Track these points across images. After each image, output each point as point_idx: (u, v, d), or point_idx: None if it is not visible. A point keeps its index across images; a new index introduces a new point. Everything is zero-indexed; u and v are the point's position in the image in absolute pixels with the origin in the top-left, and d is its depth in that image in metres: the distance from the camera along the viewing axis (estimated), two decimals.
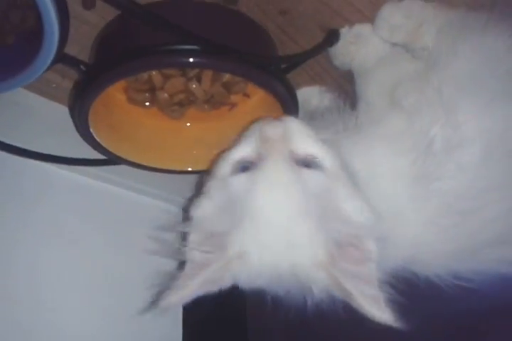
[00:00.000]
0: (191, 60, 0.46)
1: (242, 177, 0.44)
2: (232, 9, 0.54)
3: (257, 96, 0.61)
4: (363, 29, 0.58)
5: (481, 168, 0.46)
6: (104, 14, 0.53)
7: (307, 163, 0.43)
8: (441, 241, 0.47)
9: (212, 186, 0.46)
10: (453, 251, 0.47)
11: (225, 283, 0.43)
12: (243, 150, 0.45)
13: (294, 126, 0.45)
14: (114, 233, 0.68)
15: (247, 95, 0.62)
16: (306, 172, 0.43)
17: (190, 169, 0.63)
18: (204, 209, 0.45)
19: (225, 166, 0.45)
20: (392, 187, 0.47)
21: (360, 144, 0.50)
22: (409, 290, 0.47)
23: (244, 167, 0.44)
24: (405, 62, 0.56)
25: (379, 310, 0.38)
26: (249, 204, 0.42)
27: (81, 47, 0.56)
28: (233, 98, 0.62)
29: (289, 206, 0.42)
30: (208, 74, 0.54)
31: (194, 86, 0.55)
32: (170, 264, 0.57)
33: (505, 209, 0.46)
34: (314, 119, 0.58)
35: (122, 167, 0.64)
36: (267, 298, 0.45)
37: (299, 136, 0.45)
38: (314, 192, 0.42)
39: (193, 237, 0.45)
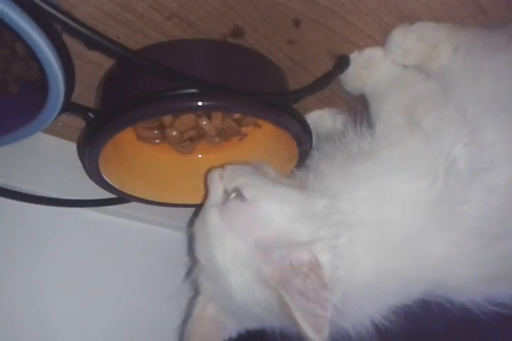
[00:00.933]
0: (200, 103, 0.45)
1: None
2: (237, 45, 0.52)
3: (268, 125, 0.60)
4: (373, 53, 0.56)
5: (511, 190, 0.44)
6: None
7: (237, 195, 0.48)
8: (470, 264, 0.46)
9: None
10: (485, 275, 0.46)
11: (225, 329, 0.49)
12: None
13: (227, 168, 0.52)
14: (127, 265, 0.68)
15: (257, 125, 0.60)
16: (231, 204, 0.48)
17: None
18: None
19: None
20: (402, 211, 0.46)
21: (372, 169, 0.49)
22: (441, 315, 0.46)
23: None
24: (419, 82, 0.54)
25: (315, 330, 0.39)
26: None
27: (85, 86, 0.55)
28: (244, 129, 0.60)
29: (215, 237, 0.47)
30: (218, 113, 0.53)
31: (204, 123, 0.54)
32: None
33: None
34: (327, 143, 0.57)
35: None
36: None
37: (228, 175, 0.51)
38: (239, 218, 0.47)
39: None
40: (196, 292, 0.52)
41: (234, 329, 0.49)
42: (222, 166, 0.53)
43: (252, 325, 0.50)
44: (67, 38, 0.44)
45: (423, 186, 0.46)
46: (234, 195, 0.48)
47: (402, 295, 0.47)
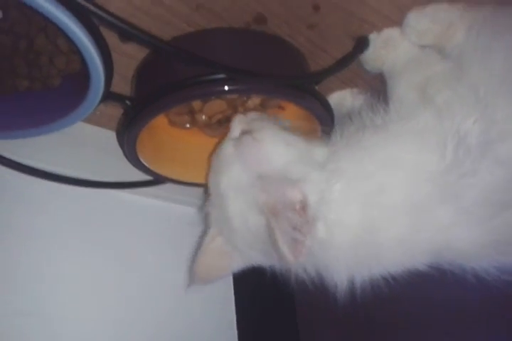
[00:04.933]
0: (226, 88, 0.48)
1: None
2: (260, 31, 0.55)
3: (291, 108, 0.63)
4: (391, 33, 0.58)
5: None
6: (140, 46, 0.55)
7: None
8: (476, 231, 0.47)
9: None
10: (490, 241, 0.48)
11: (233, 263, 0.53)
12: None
13: (249, 114, 0.56)
14: (166, 245, 0.72)
15: (281, 108, 0.63)
16: (244, 139, 0.52)
17: None
18: None
19: None
20: (408, 179, 0.48)
21: (381, 141, 0.51)
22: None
23: None
24: (434, 62, 0.56)
25: (291, 252, 0.43)
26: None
27: (120, 77, 0.58)
28: (269, 111, 0.63)
29: (225, 167, 0.52)
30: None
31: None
32: None
33: None
34: (345, 120, 0.60)
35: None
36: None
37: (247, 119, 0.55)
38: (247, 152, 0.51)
39: None
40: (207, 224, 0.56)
41: (239, 263, 0.54)
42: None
43: (250, 260, 0.53)
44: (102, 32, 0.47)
45: (432, 159, 0.47)
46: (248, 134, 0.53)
47: (390, 261, 0.49)
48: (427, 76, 0.54)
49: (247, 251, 0.52)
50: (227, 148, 0.53)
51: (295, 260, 0.43)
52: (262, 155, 0.50)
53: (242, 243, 0.51)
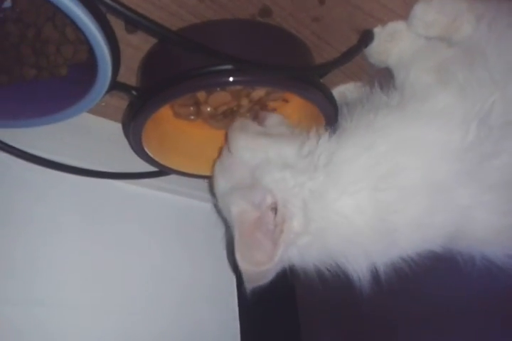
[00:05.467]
0: (231, 79, 0.49)
1: None
2: (265, 23, 0.56)
3: (295, 101, 0.63)
4: (397, 26, 0.58)
5: None
6: (146, 37, 0.56)
7: None
8: (495, 214, 0.47)
9: None
10: (507, 226, 0.48)
11: None
12: None
13: (235, 124, 0.58)
14: (170, 237, 0.72)
15: (285, 100, 0.64)
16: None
17: None
18: None
19: None
20: (425, 158, 0.48)
21: (395, 122, 0.51)
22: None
23: None
24: (444, 49, 0.56)
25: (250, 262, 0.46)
26: None
27: (126, 68, 0.58)
28: (273, 104, 0.64)
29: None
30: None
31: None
32: None
33: None
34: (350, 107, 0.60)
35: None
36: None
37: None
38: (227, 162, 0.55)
39: None
40: None
41: None
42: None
43: None
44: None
45: (455, 137, 0.47)
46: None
47: (405, 246, 0.49)
48: (439, 61, 0.54)
49: None
50: (221, 158, 0.57)
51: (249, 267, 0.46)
52: (233, 166, 0.54)
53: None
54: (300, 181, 0.48)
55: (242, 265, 0.46)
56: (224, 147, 0.58)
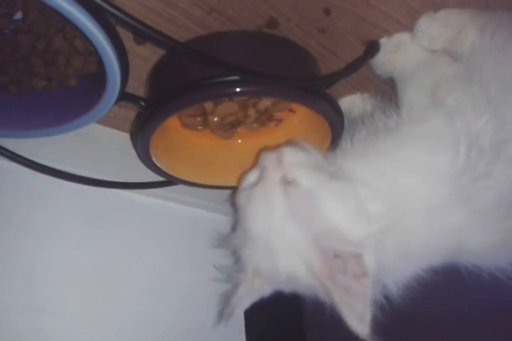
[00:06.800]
0: (238, 89, 0.49)
1: (242, 195, 0.52)
2: (272, 34, 0.56)
3: (302, 111, 0.63)
4: (402, 38, 0.59)
5: None
6: (154, 48, 0.57)
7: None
8: (491, 231, 0.48)
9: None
10: (505, 241, 0.49)
11: (264, 292, 0.52)
12: (250, 177, 0.54)
13: (286, 154, 0.52)
14: (175, 247, 0.72)
15: (292, 110, 0.64)
16: (290, 189, 0.48)
17: None
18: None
19: (239, 192, 0.54)
20: (423, 182, 0.48)
21: (394, 145, 0.52)
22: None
23: None
24: (445, 65, 0.57)
25: (361, 326, 0.42)
26: (245, 221, 0.50)
27: (134, 79, 0.59)
28: (279, 114, 0.64)
29: (276, 216, 0.47)
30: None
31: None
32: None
33: None
34: (356, 124, 0.60)
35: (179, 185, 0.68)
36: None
37: (288, 163, 0.51)
38: (299, 206, 0.47)
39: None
40: (236, 260, 0.54)
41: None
42: (277, 148, 0.54)
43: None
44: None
45: (445, 161, 0.48)
46: (293, 180, 0.49)
47: (424, 262, 0.50)
48: (437, 79, 0.55)
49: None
50: (278, 196, 0.48)
51: (366, 329, 0.43)
52: (316, 211, 0.47)
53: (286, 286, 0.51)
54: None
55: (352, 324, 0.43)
56: (253, 172, 0.53)
